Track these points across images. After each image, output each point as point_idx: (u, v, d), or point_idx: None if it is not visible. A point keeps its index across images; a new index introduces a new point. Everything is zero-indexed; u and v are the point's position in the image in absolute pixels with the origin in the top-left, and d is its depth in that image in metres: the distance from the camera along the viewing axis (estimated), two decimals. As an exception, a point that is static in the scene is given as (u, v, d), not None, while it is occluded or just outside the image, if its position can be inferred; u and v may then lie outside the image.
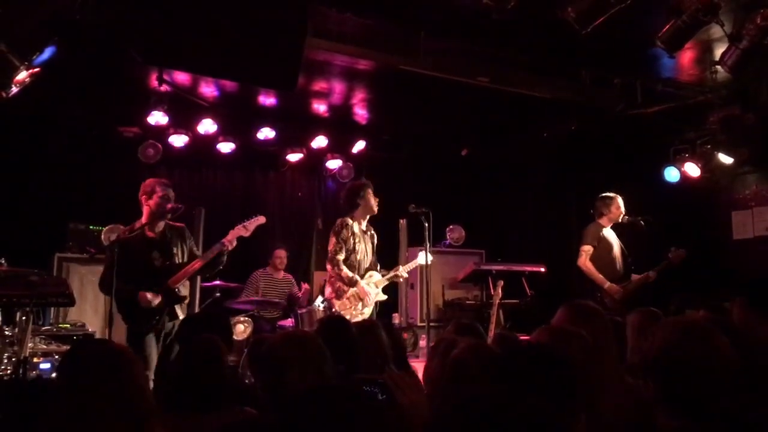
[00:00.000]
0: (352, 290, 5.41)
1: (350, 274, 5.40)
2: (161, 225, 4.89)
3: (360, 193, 5.54)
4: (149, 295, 4.66)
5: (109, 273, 4.56)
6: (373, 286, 5.51)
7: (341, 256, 5.43)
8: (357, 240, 5.50)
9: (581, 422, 1.79)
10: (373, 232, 5.69)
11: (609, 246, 6.20)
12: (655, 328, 1.90)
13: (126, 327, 4.78)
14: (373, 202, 5.56)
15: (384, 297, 5.66)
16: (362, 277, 5.47)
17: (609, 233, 6.27)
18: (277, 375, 2.31)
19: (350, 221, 5.51)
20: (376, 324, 3.38)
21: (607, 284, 6.00)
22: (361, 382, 2.00)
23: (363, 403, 1.38)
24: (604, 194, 6.36)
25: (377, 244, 5.74)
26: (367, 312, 5.42)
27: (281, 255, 7.18)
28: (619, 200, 6.30)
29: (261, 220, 5.41)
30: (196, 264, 4.88)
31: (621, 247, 6.30)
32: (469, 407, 1.14)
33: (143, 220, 4.86)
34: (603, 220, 6.29)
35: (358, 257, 5.49)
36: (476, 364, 2.19)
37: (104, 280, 4.69)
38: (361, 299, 5.41)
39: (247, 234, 5.28)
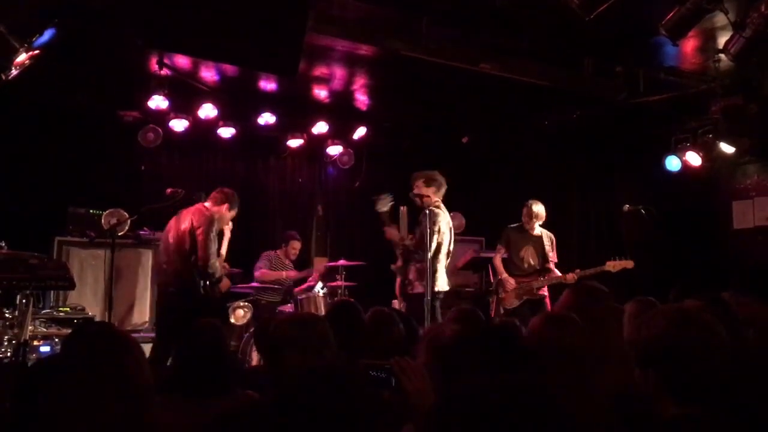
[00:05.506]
0: None
1: None
2: None
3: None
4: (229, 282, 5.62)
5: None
6: None
7: None
8: None
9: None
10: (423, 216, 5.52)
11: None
12: (653, 316, 1.90)
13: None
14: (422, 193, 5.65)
15: None
16: None
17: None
18: (278, 354, 2.32)
19: None
20: (391, 315, 3.38)
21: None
22: (368, 367, 2.00)
23: (360, 387, 1.37)
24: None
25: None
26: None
27: (297, 246, 7.21)
28: (535, 209, 6.63)
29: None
30: None
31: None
32: (466, 396, 1.12)
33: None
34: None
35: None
36: (461, 352, 2.18)
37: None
38: None
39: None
